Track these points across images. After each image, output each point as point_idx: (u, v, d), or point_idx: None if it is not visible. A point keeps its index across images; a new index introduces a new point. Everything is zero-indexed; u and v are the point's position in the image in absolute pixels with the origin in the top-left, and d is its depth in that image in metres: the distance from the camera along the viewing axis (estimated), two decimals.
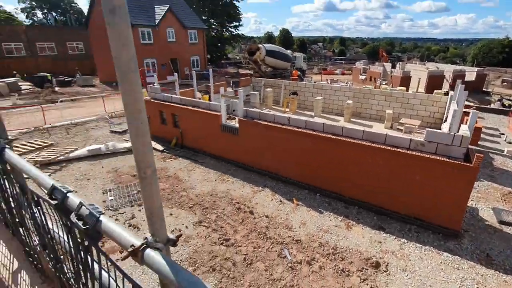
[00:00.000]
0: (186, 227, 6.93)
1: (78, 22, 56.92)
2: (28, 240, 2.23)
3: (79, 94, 23.15)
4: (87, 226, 1.20)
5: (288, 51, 32.62)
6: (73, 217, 1.27)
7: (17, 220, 2.25)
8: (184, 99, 11.41)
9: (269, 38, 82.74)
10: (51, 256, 1.89)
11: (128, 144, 11.43)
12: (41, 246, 1.99)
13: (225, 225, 6.95)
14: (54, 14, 59.49)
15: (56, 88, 24.36)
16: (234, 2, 47.60)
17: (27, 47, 32.06)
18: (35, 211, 1.76)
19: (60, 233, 1.68)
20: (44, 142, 11.91)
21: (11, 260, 2.40)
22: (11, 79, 22.19)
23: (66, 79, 26.94)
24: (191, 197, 8.21)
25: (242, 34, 58.12)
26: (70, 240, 1.45)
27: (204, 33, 34.65)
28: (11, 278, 2.24)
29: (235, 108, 9.82)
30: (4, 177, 2.11)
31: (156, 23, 28.23)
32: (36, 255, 2.21)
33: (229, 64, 49.42)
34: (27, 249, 2.35)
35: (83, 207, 1.25)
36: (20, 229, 2.27)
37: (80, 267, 1.46)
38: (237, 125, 9.69)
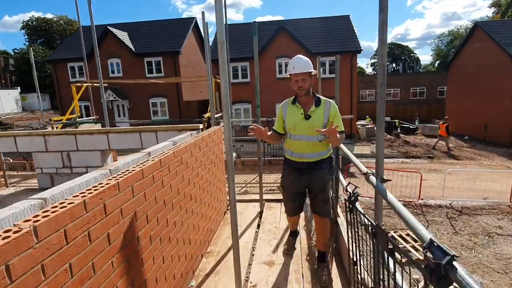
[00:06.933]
0: None
1: (411, 70, 56.82)
2: None
3: (429, 148, 18.74)
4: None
5: None
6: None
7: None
8: None
9: None
10: None
11: None
12: None
13: None
14: (393, 64, 63.80)
15: (401, 135, 21.83)
16: None
17: (375, 93, 33.85)
18: None
19: None
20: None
21: None
22: (365, 123, 22.52)
23: (410, 126, 24.06)
24: None
25: None
26: None
27: None
28: None
29: None
30: None
31: None
32: None
33: None
34: None
35: None
36: None
37: None
38: None
